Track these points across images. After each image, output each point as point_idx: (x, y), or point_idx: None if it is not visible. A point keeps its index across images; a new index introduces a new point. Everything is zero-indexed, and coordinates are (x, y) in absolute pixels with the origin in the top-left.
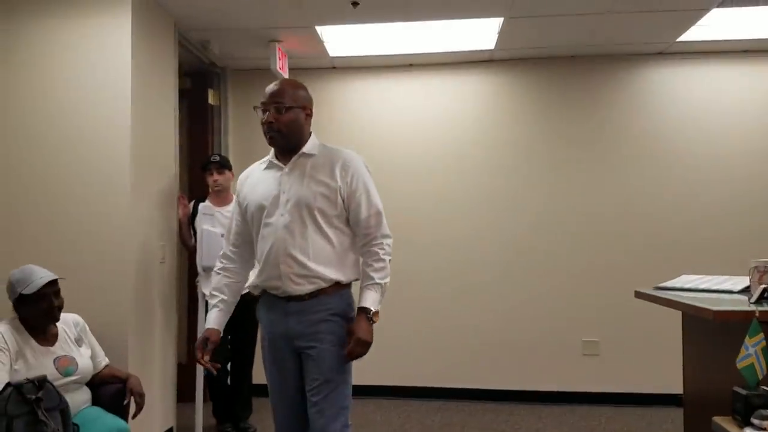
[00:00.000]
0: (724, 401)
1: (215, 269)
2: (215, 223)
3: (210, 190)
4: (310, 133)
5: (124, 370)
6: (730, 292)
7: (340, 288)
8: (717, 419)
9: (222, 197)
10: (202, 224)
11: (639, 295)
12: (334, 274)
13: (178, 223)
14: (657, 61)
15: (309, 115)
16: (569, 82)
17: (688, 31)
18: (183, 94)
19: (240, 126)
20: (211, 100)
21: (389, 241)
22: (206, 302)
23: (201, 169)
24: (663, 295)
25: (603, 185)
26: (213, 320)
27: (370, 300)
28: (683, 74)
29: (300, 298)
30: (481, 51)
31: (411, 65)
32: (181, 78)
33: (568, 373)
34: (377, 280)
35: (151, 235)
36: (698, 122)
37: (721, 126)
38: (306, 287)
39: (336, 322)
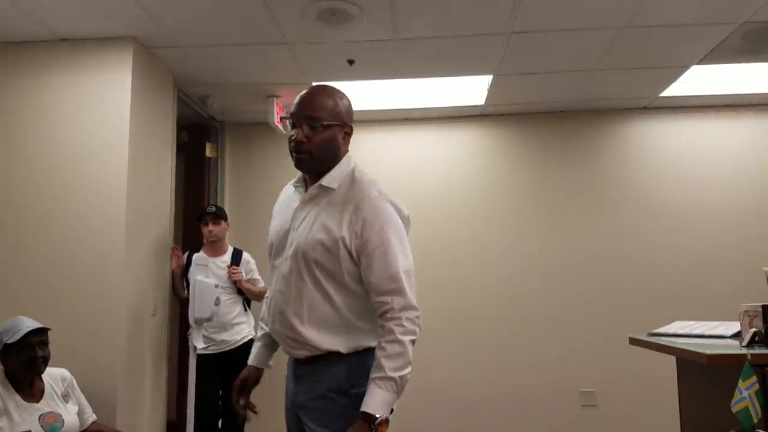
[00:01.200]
0: None
1: (265, 297)
2: (209, 274)
3: (205, 240)
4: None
5: (112, 427)
6: (723, 336)
7: (343, 357)
8: None
9: (217, 248)
10: (196, 275)
11: (633, 341)
12: (330, 343)
13: (171, 275)
14: (641, 116)
15: (348, 134)
16: (558, 136)
17: (670, 86)
18: (181, 148)
19: (237, 178)
20: (208, 153)
21: (412, 314)
22: (197, 356)
23: (196, 220)
24: (657, 341)
25: (594, 235)
26: (253, 357)
27: (376, 402)
28: (666, 128)
29: (301, 362)
30: (473, 106)
31: (406, 119)
32: (180, 132)
33: (566, 426)
34: (388, 373)
35: (144, 287)
36: (681, 173)
37: (702, 177)
38: (301, 352)
39: (330, 400)
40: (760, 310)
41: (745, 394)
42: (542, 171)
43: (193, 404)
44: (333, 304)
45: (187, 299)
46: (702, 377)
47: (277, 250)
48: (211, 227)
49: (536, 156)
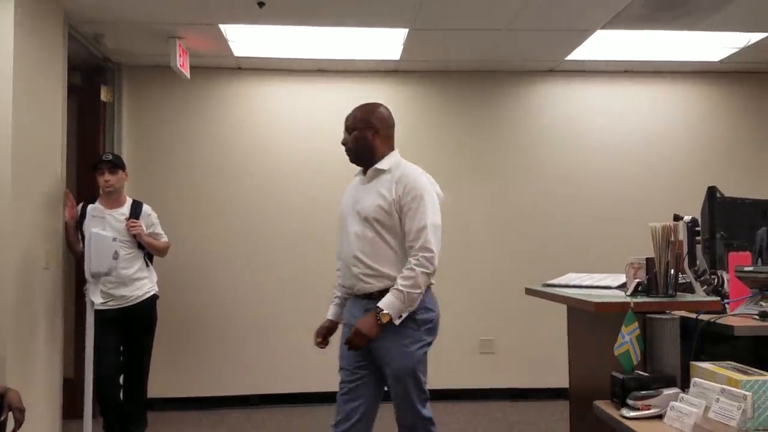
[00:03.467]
0: (604, 387)
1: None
2: (106, 227)
3: (101, 191)
4: (392, 149)
5: (1, 384)
6: (609, 287)
7: None
8: (597, 403)
9: (114, 199)
10: (91, 227)
11: (529, 291)
12: (397, 273)
13: (64, 226)
14: (548, 78)
15: (377, 133)
16: (470, 96)
17: (575, 50)
18: (73, 90)
19: (135, 125)
20: (103, 97)
21: (428, 255)
22: (96, 311)
23: (92, 169)
24: (550, 291)
25: (498, 193)
26: (330, 312)
27: (386, 301)
28: (571, 91)
29: (371, 296)
30: (388, 61)
31: (321, 71)
32: (72, 72)
33: (467, 370)
34: (400, 287)
35: (35, 239)
36: (584, 136)
37: (603, 140)
38: (376, 285)
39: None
40: (644, 262)
41: (627, 338)
42: (454, 131)
43: (91, 361)
44: (391, 247)
45: (83, 253)
46: (589, 324)
47: (347, 219)
48: (107, 177)
49: (449, 115)
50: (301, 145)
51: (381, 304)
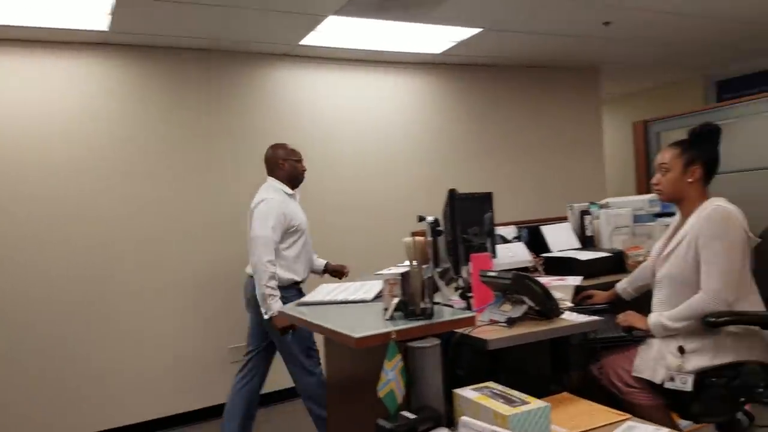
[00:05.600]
0: None
1: None
2: None
3: None
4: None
5: None
6: (365, 301)
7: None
8: None
9: None
10: None
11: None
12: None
13: None
14: (283, 63)
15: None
16: (200, 76)
17: (308, 35)
18: None
19: None
20: None
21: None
22: None
23: None
24: (304, 317)
25: (233, 188)
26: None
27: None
28: (306, 77)
29: None
30: (93, 32)
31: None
32: None
33: (216, 385)
34: None
35: None
36: (318, 123)
37: (338, 129)
38: None
39: None
40: (400, 278)
41: (391, 375)
42: (183, 113)
43: None
44: None
45: None
46: (351, 360)
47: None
48: None
49: (176, 96)
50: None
51: None
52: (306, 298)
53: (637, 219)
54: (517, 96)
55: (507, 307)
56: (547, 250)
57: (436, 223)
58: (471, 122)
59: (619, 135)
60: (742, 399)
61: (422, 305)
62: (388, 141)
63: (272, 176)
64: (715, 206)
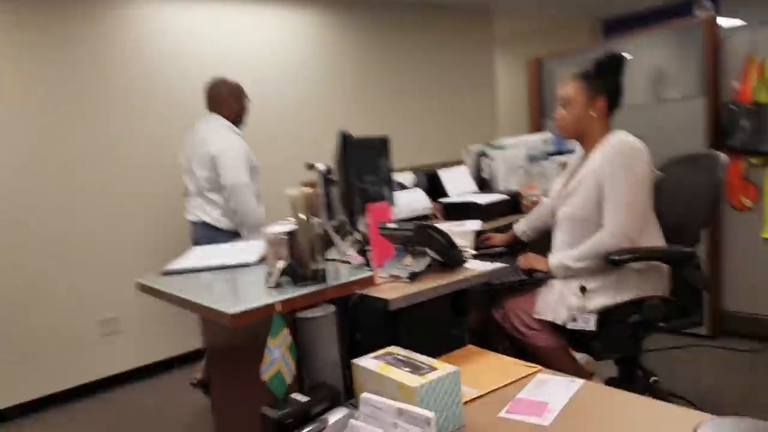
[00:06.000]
0: None
1: None
2: None
3: None
4: None
5: None
6: (248, 264)
7: None
8: None
9: None
10: None
11: (145, 289)
12: None
13: None
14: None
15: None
16: (57, 18)
17: None
18: None
19: None
20: None
21: None
22: None
23: None
24: (173, 291)
25: (94, 135)
26: None
27: None
28: (174, 13)
29: None
30: None
31: None
32: None
33: (88, 360)
34: None
35: None
36: (189, 66)
37: (214, 70)
38: None
39: None
40: (286, 237)
41: (276, 354)
42: (22, 55)
43: None
44: None
45: None
46: (229, 339)
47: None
48: None
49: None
50: None
51: None
52: (175, 265)
53: (532, 159)
54: (410, 37)
55: (408, 260)
56: (445, 196)
57: (328, 171)
58: (360, 64)
59: (510, 75)
60: (642, 334)
61: (313, 267)
62: (270, 85)
63: (216, 113)
64: (620, 139)
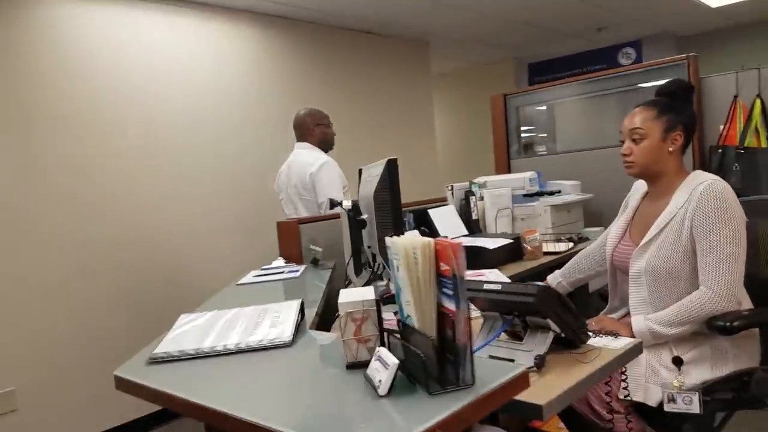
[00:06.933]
0: None
1: None
2: None
3: None
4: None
5: None
6: (281, 346)
7: None
8: None
9: None
10: None
11: (121, 384)
12: None
13: None
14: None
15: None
16: None
17: None
18: None
19: None
20: None
21: None
22: None
23: None
24: (191, 397)
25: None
26: None
27: None
28: (91, 16)
29: None
30: None
31: None
32: None
33: None
34: None
35: None
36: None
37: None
38: None
39: None
40: (372, 307)
41: None
42: None
43: None
44: None
45: None
46: None
47: None
48: None
49: None
50: None
51: None
52: (170, 346)
53: (515, 200)
54: (352, 63)
55: (506, 335)
56: (435, 237)
57: (356, 209)
58: (300, 84)
59: (443, 114)
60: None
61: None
62: (205, 100)
63: (304, 141)
64: (711, 180)
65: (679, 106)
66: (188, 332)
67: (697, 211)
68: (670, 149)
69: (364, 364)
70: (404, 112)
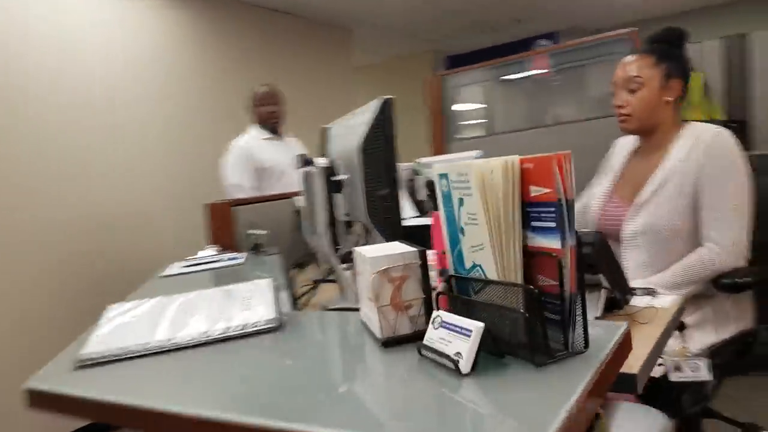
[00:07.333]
0: None
1: None
2: None
3: None
4: None
5: None
6: (252, 333)
7: None
8: None
9: None
10: None
11: (35, 400)
12: None
13: None
14: None
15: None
16: None
17: None
18: None
19: None
20: None
21: None
22: None
23: None
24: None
25: None
26: None
27: None
28: None
29: None
30: None
31: None
32: None
33: None
34: None
35: None
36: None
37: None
38: None
39: None
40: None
41: None
42: None
43: None
44: None
45: None
46: None
47: None
48: None
49: None
50: None
51: None
52: (105, 344)
53: None
54: (271, 45)
55: None
56: None
57: (331, 168)
58: (215, 65)
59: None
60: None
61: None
62: (114, 78)
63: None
64: (718, 129)
65: (676, 53)
66: (127, 325)
67: (707, 163)
68: (669, 99)
69: (408, 338)
70: (323, 98)
